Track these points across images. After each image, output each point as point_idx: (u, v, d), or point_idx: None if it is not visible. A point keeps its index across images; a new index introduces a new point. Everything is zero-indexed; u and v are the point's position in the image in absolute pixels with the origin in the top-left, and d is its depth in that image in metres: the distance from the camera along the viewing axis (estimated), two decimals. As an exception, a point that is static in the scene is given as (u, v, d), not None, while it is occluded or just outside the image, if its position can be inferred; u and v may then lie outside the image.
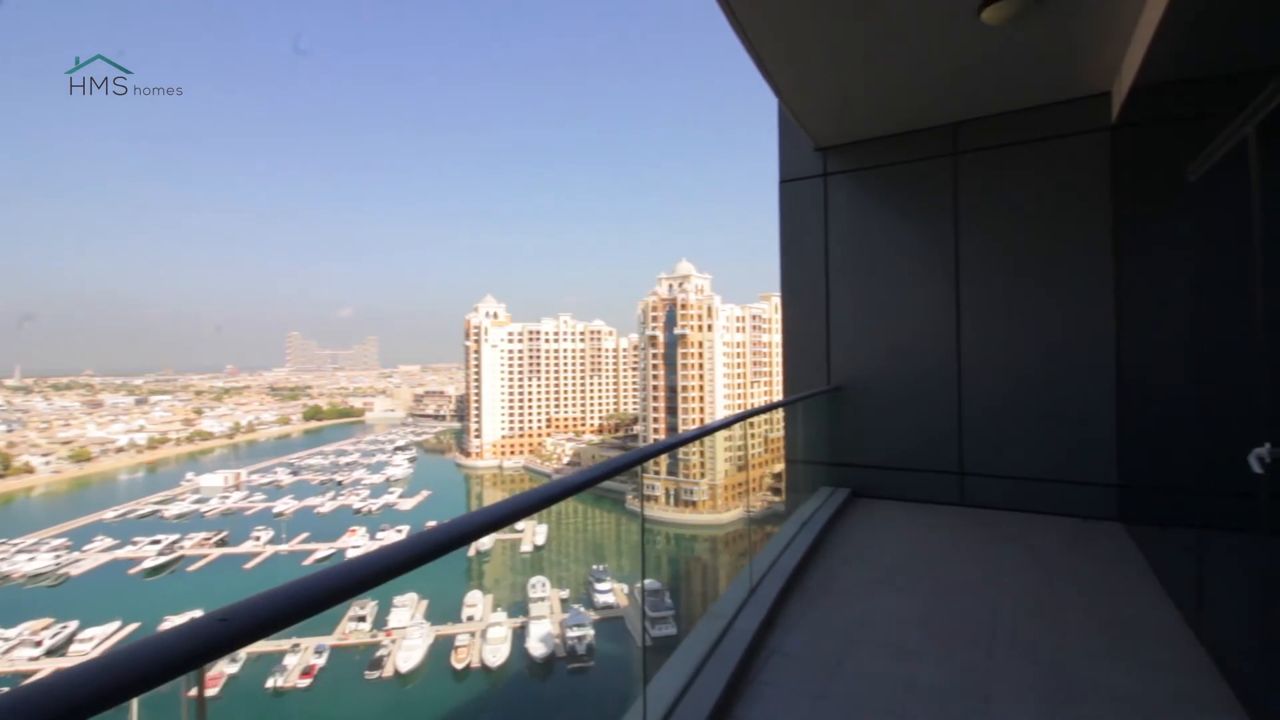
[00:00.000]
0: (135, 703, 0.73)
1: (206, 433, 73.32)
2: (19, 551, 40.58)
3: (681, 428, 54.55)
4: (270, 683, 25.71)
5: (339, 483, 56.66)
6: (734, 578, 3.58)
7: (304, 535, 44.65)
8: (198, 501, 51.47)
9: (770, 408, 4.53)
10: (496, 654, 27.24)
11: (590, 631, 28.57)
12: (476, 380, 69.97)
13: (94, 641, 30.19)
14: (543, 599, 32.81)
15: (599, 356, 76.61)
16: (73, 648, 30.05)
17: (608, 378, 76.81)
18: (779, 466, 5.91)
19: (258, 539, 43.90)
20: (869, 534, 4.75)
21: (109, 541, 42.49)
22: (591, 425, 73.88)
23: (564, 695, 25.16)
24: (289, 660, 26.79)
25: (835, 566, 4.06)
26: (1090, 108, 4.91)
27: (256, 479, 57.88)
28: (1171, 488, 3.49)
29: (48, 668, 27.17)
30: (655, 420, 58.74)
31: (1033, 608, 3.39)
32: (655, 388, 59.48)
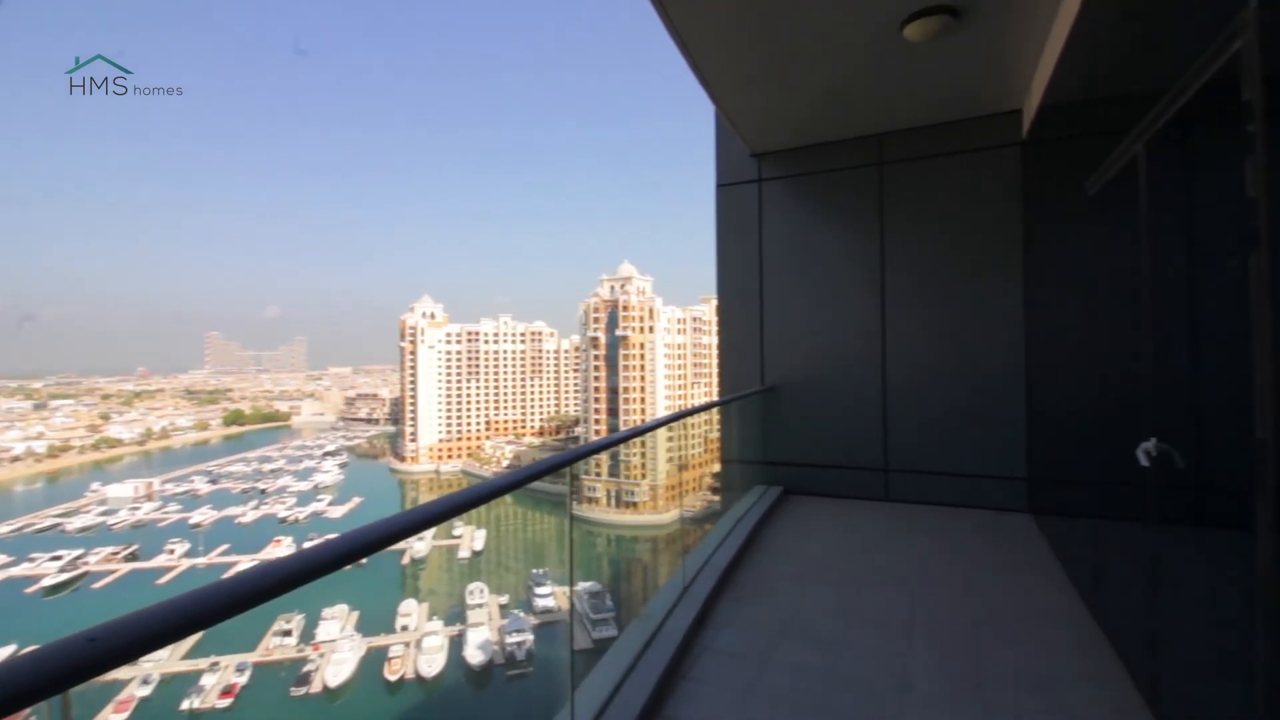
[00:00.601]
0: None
1: (114, 440, 68.15)
2: (-106, 572, 36.66)
3: (622, 429, 54.55)
4: (186, 704, 24.19)
5: (262, 491, 53.74)
6: (668, 577, 3.61)
7: (224, 547, 42.14)
8: (104, 513, 47.71)
9: (703, 408, 4.59)
10: (432, 664, 26.49)
11: (530, 637, 28.19)
12: (412, 382, 67.89)
13: (-20, 669, 27.48)
14: (481, 605, 32.11)
15: (540, 358, 75.78)
16: (-46, 677, 27.27)
17: (549, 379, 76.09)
18: (719, 466, 6.00)
19: (172, 552, 41.07)
20: (800, 530, 4.88)
21: (3, 559, 38.79)
22: (532, 427, 72.96)
23: (500, 702, 24.73)
24: (206, 680, 25.26)
25: (767, 563, 4.15)
26: (1004, 124, 5.23)
27: (171, 488, 54.20)
28: (1073, 481, 3.74)
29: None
30: (597, 422, 58.61)
31: (949, 597, 3.56)
32: (597, 389, 59.36)
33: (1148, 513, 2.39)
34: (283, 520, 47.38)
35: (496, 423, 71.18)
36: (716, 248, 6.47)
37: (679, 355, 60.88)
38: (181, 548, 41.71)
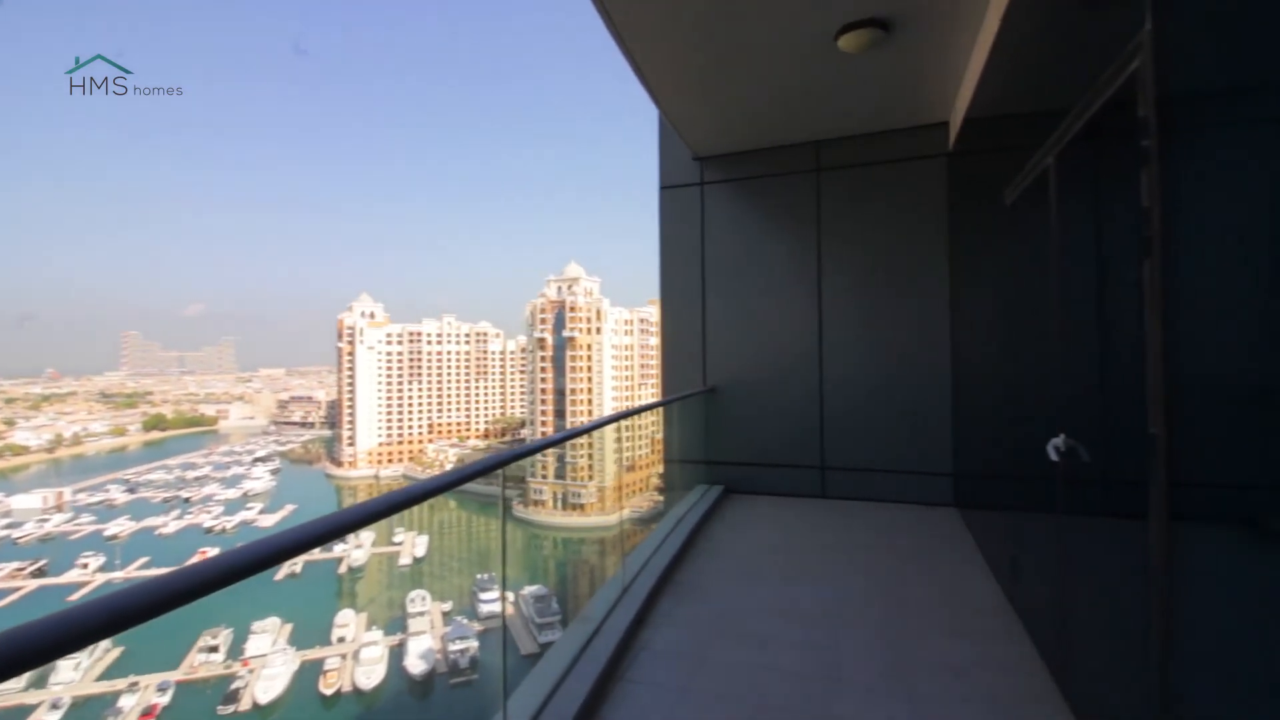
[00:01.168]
0: None
1: (20, 447, 62.93)
2: None
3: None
4: (104, 728, 22.60)
5: (186, 500, 50.67)
6: (608, 579, 3.59)
7: (143, 560, 39.51)
8: (9, 526, 43.97)
9: (642, 409, 4.61)
10: (371, 675, 25.58)
11: (474, 643, 27.60)
12: (350, 384, 65.45)
13: None
14: (423, 613, 31.24)
15: (485, 359, 74.38)
16: None
17: (494, 381, 74.75)
18: (665, 467, 6.03)
19: (85, 567, 38.19)
20: (739, 529, 4.95)
21: (-112, 579, 35.35)
22: (477, 430, 71.51)
23: (443, 712, 24.13)
24: (125, 701, 23.63)
25: (706, 562, 4.19)
26: (932, 135, 5.46)
27: (84, 498, 50.36)
28: (992, 475, 3.93)
29: None
30: (543, 424, 58.00)
31: (880, 589, 3.68)
32: (543, 391, 58.76)
33: (1056, 505, 2.53)
34: (209, 530, 44.84)
35: (440, 425, 69.45)
36: (660, 249, 6.51)
37: (626, 357, 60.95)
38: (96, 561, 38.84)
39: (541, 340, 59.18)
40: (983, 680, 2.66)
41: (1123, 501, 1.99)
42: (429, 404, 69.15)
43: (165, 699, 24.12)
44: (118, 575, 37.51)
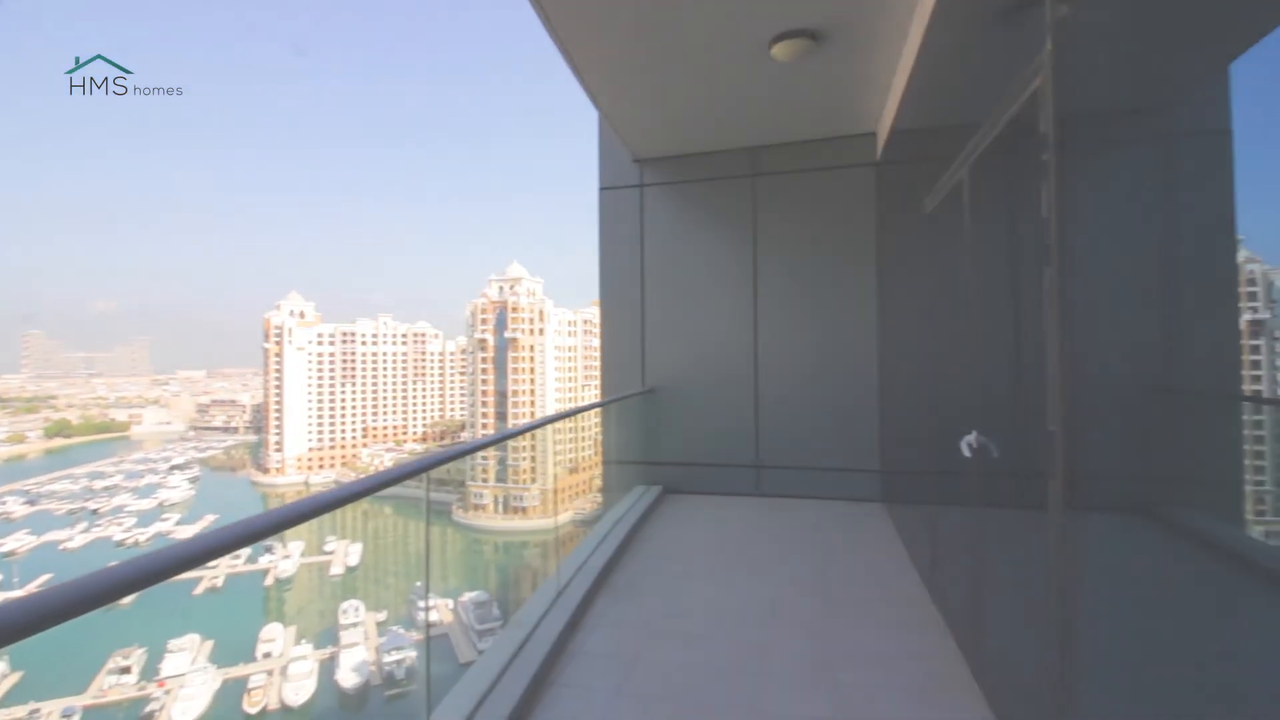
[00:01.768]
0: None
1: (-103, 457, 57.05)
2: None
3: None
4: (-1, 761, 20.72)
5: (94, 512, 47.03)
6: (544, 583, 3.55)
7: (45, 577, 36.34)
8: (-116, 545, 39.85)
9: (580, 410, 4.59)
10: (300, 691, 24.43)
11: (411, 653, 26.75)
12: (278, 387, 62.39)
13: None
14: (356, 624, 30.06)
15: (423, 360, 72.34)
16: None
17: (433, 383, 72.74)
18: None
19: (-27, 586, 35.07)
20: (675, 529, 4.99)
21: None
22: (415, 434, 69.42)
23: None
24: (26, 732, 21.78)
25: (642, 562, 4.20)
26: (861, 145, 5.65)
27: (-27, 513, 46.24)
28: (913, 471, 4.11)
29: None
30: (484, 426, 56.87)
31: (809, 584, 3.78)
32: (484, 393, 57.61)
33: (970, 499, 2.66)
34: (120, 543, 41.74)
35: (375, 429, 67.05)
36: (599, 250, 6.50)
37: (570, 358, 60.49)
38: (-13, 580, 35.69)
39: (483, 341, 58.03)
40: (904, 670, 2.77)
41: (1027, 495, 2.11)
42: (363, 407, 66.61)
43: (71, 727, 22.37)
44: (16, 594, 34.38)
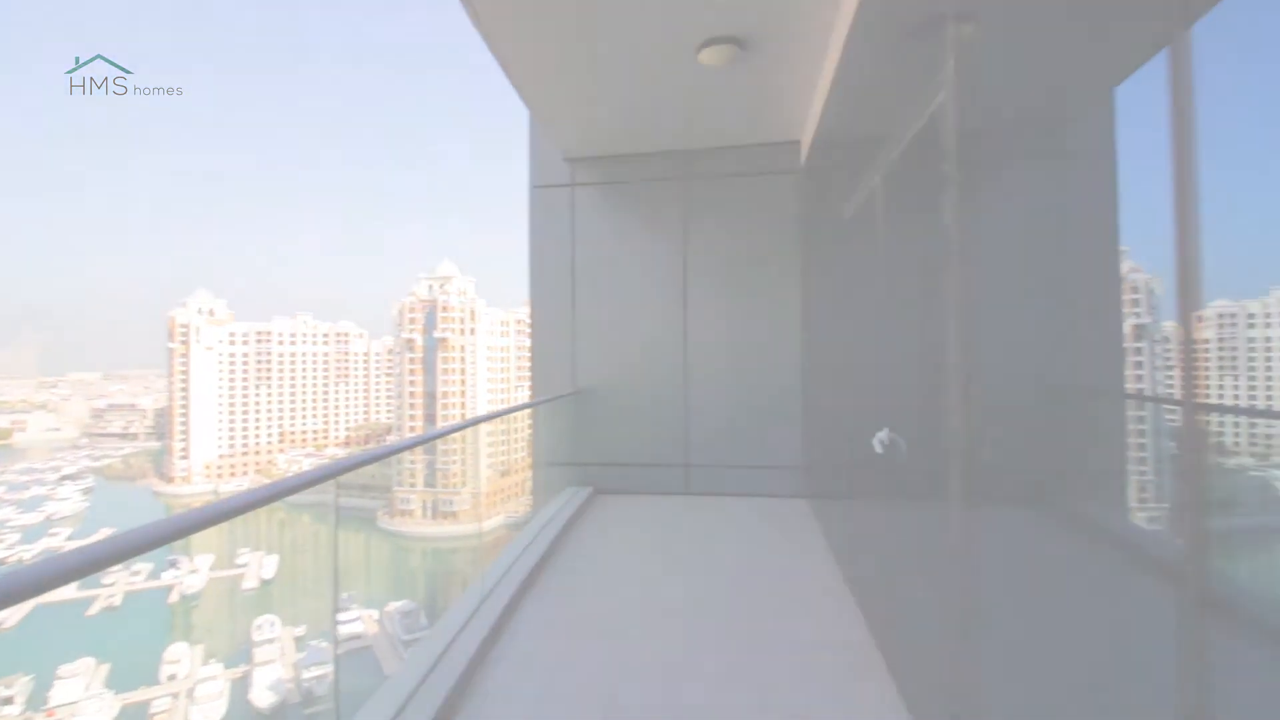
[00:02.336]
0: None
1: None
2: None
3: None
4: None
5: (-35, 528, 42.54)
6: (468, 589, 3.46)
7: (-101, 605, 32.52)
8: None
9: (509, 411, 4.51)
10: (209, 714, 22.92)
11: (332, 669, 25.52)
12: (184, 390, 58.16)
13: None
14: (272, 640, 28.42)
15: (346, 361, 69.19)
16: None
17: (357, 384, 69.63)
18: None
19: None
20: (605, 529, 4.98)
21: None
22: (337, 438, 66.28)
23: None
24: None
25: (571, 564, 4.17)
26: (786, 152, 5.83)
27: None
28: (834, 467, 4.27)
29: None
30: (411, 429, 54.97)
31: (736, 578, 3.86)
32: (412, 394, 55.72)
33: (882, 493, 2.78)
34: (0, 561, 37.94)
35: (292, 433, 63.60)
36: (529, 249, 6.41)
37: (503, 359, 59.39)
38: None
39: (410, 341, 56.14)
40: (823, 660, 2.86)
41: (933, 489, 2.22)
42: (280, 410, 63.05)
43: (-60, 766, 20.10)
44: None
